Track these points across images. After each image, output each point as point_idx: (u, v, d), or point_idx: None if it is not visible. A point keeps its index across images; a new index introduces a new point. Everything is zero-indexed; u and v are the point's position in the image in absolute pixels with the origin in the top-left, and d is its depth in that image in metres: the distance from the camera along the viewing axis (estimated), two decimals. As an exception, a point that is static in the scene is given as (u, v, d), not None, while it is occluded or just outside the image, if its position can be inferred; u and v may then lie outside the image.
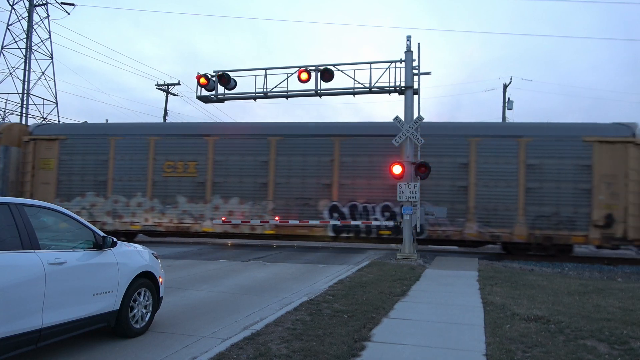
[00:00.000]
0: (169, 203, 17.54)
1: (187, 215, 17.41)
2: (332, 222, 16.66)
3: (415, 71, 14.38)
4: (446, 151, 16.29)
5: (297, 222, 16.77)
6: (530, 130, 16.23)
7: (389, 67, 14.66)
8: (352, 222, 16.57)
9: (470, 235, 16.01)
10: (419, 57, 14.31)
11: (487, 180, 16.01)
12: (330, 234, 16.78)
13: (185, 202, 17.45)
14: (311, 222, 16.63)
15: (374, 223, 16.39)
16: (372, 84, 14.87)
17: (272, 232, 17.00)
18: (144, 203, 17.69)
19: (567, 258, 16.03)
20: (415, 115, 14.08)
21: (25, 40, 31.13)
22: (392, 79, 14.60)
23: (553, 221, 15.58)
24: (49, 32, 32.22)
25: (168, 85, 34.61)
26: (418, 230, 14.98)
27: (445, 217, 15.87)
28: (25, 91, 30.89)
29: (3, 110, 31.74)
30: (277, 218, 16.88)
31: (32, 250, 4.24)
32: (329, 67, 14.79)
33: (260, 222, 16.87)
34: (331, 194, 16.83)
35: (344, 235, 16.82)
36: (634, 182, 15.22)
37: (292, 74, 15.04)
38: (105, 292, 5.00)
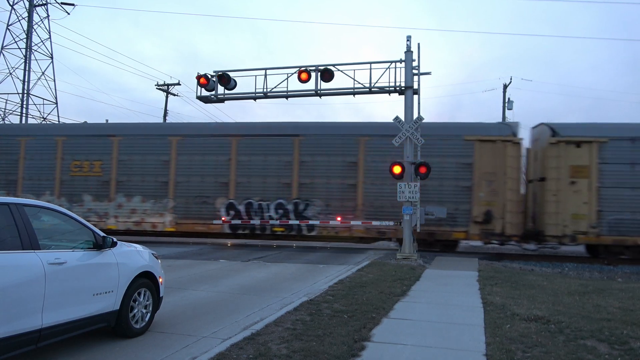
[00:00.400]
0: (75, 202, 17.92)
1: (93, 213, 17.76)
2: (216, 222, 17.17)
3: (415, 71, 14.37)
4: (336, 150, 16.90)
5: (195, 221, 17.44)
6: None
7: (389, 67, 14.66)
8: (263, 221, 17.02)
9: (358, 231, 16.52)
10: (418, 57, 14.32)
11: (375, 179, 16.53)
12: (227, 231, 17.24)
13: (91, 200, 17.87)
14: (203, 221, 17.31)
15: (380, 223, 16.40)
16: (372, 84, 14.87)
17: (172, 229, 17.45)
18: (52, 202, 18.05)
19: (567, 258, 16.15)
20: (416, 115, 14.08)
21: (25, 40, 31.16)
22: (392, 79, 14.62)
23: (436, 217, 16.10)
24: (49, 32, 32.28)
25: (168, 85, 34.60)
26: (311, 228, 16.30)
27: (445, 217, 15.91)
28: (25, 91, 30.91)
29: (3, 110, 31.78)
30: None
31: (32, 251, 4.24)
32: (329, 67, 14.78)
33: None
34: (228, 192, 17.27)
35: (240, 232, 17.28)
36: (512, 180, 15.85)
37: (292, 74, 15.03)
38: (105, 292, 4.99)
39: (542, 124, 16.62)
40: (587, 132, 15.82)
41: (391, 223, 16.11)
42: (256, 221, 16.93)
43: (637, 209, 15.27)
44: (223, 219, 17.02)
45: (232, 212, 17.13)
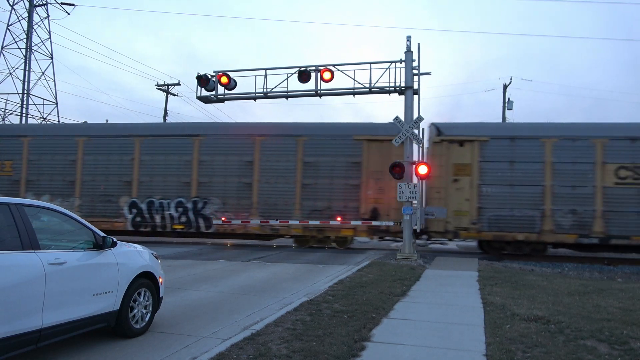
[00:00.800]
0: None
1: None
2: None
3: (415, 71, 14.38)
4: (234, 150, 17.43)
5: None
6: (308, 129, 17.30)
7: (389, 67, 14.66)
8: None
9: (253, 228, 17.03)
10: (419, 57, 14.32)
11: (269, 177, 17.14)
12: (130, 228, 17.69)
13: None
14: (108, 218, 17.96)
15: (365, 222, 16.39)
16: (372, 84, 14.87)
17: None
18: None
19: (567, 259, 16.13)
20: (415, 115, 14.09)
21: (25, 40, 31.14)
22: (392, 79, 14.63)
23: (326, 215, 16.64)
24: (49, 32, 32.26)
25: (168, 85, 34.60)
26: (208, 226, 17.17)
27: (445, 217, 15.93)
28: (25, 91, 30.90)
29: (3, 110, 31.77)
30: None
31: (32, 251, 4.24)
32: (329, 67, 14.78)
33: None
34: (131, 191, 17.82)
35: (142, 229, 17.70)
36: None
37: (292, 74, 15.04)
38: (105, 292, 4.99)
39: (432, 123, 17.17)
40: (470, 132, 16.34)
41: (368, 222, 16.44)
42: (157, 219, 17.55)
43: (514, 205, 15.77)
44: (223, 219, 17.04)
45: (134, 211, 17.67)
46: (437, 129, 16.55)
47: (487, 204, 15.87)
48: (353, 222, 16.47)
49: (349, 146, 16.69)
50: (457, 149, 16.22)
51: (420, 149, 14.37)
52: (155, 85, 34.69)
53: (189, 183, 17.50)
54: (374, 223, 16.37)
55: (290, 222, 16.69)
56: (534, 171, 15.80)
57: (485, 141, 16.06)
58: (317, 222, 16.53)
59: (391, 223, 16.18)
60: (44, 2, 31.88)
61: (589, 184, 15.59)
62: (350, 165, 16.67)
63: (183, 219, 17.33)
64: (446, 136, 16.37)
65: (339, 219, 16.56)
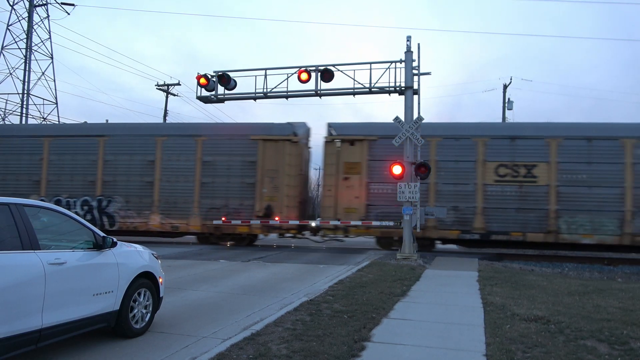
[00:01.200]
0: None
1: None
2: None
3: (415, 71, 14.36)
4: (137, 150, 17.99)
5: None
6: (206, 129, 17.96)
7: (389, 68, 14.64)
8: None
9: (154, 226, 17.62)
10: (419, 57, 14.31)
11: (170, 176, 17.71)
12: None
13: None
14: None
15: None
16: (372, 84, 14.86)
17: None
18: None
19: (567, 259, 16.12)
20: (416, 115, 14.08)
21: (25, 40, 31.12)
22: (392, 79, 14.60)
23: (223, 212, 17.13)
24: (49, 32, 32.24)
25: (168, 85, 34.57)
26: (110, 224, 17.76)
27: (445, 217, 15.96)
28: (25, 91, 30.88)
29: (3, 110, 31.77)
30: None
31: (32, 251, 4.23)
32: (329, 67, 14.77)
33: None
34: (39, 189, 18.36)
35: None
36: (289, 176, 16.97)
37: (292, 74, 15.02)
38: (105, 293, 4.99)
39: (327, 123, 17.56)
40: (361, 132, 16.84)
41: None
42: None
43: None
44: (223, 219, 17.04)
45: None
46: (331, 129, 17.07)
47: (375, 201, 16.45)
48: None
49: (245, 146, 17.23)
50: (348, 148, 16.75)
51: (418, 149, 14.31)
52: (155, 85, 34.69)
53: (94, 182, 18.09)
54: (373, 223, 16.34)
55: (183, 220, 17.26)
56: None
57: (374, 140, 16.60)
58: (217, 221, 16.96)
59: (390, 223, 16.15)
60: (44, 2, 31.87)
61: (471, 182, 16.03)
62: (247, 164, 17.20)
63: (88, 217, 17.79)
64: (338, 136, 16.89)
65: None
